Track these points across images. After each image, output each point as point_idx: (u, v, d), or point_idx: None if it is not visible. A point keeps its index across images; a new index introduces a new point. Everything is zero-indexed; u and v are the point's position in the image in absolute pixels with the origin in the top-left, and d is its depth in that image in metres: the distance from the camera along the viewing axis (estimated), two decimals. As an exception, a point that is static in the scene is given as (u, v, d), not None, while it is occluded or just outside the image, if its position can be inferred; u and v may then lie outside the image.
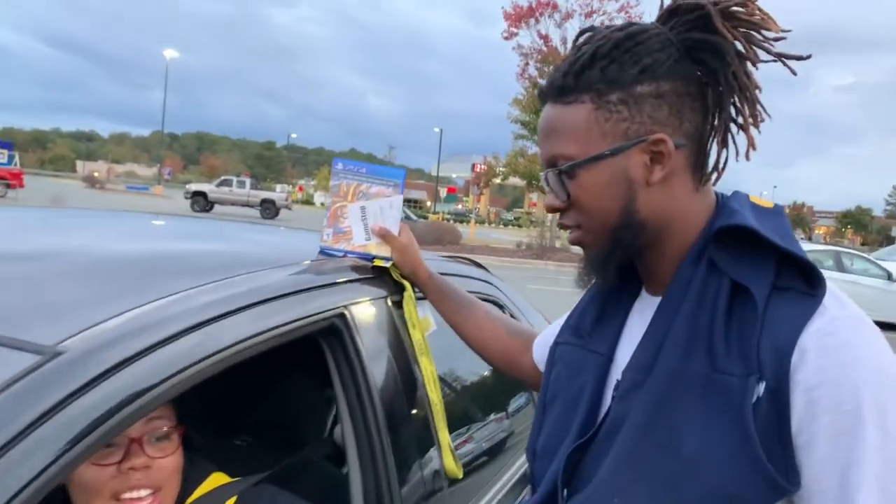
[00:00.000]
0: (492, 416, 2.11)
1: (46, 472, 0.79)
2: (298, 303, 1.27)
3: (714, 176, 1.01)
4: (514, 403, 2.26)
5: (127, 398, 0.89)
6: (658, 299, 1.00)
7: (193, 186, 38.94)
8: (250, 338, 1.11)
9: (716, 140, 1.00)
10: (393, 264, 1.55)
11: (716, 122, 1.00)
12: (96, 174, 44.91)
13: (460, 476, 1.51)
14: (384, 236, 1.53)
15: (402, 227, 1.55)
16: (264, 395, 1.63)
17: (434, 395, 1.50)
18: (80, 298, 1.09)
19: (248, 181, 39.74)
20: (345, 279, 1.43)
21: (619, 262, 1.03)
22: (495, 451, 1.97)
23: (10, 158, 37.31)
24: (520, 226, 47.39)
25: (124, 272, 1.25)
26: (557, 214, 1.05)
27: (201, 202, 35.11)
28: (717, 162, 1.01)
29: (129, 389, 0.90)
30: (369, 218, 1.54)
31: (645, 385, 0.92)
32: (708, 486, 0.84)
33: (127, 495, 1.06)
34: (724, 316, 0.90)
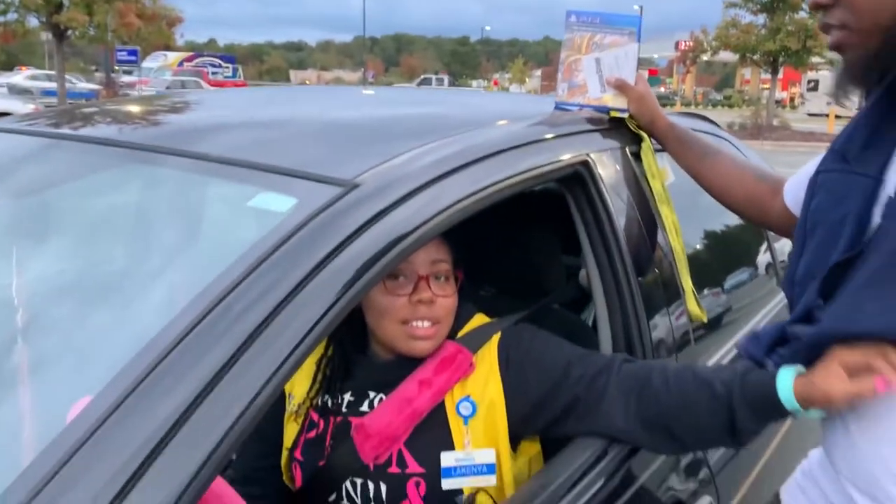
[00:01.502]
0: (714, 290, 2.08)
1: (356, 284, 0.92)
2: (542, 151, 1.33)
3: None
4: (738, 278, 2.22)
5: (411, 227, 1.01)
6: None
7: (396, 87, 40.32)
8: (506, 179, 1.19)
9: None
10: (630, 115, 1.55)
11: None
12: (308, 82, 47.80)
13: (704, 320, 1.53)
14: (620, 87, 1.53)
15: (638, 76, 1.53)
16: (505, 248, 1.74)
17: (676, 242, 1.51)
18: (356, 149, 1.22)
19: (445, 78, 40.45)
20: (584, 129, 1.46)
21: (884, 68, 0.97)
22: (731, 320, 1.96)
23: (235, 72, 40.62)
24: (731, 106, 44.10)
25: (384, 129, 1.38)
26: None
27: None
28: None
29: (413, 220, 1.02)
30: (604, 69, 1.54)
31: None
32: None
33: (414, 323, 1.22)
34: None
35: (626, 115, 1.54)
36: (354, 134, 1.35)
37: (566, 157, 1.35)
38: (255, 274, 0.88)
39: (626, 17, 1.54)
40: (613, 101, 1.54)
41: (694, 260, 1.97)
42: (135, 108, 1.71)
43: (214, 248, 1.06)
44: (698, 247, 2.06)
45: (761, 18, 21.31)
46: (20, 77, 29.44)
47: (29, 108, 14.57)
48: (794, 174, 1.35)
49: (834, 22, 0.98)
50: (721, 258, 2.18)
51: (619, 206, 1.42)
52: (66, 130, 1.52)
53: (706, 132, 2.00)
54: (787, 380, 1.04)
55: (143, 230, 1.24)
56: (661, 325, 1.47)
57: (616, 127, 1.54)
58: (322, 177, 1.02)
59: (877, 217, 0.98)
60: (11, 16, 18.39)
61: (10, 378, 1.02)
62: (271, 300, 0.86)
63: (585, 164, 1.37)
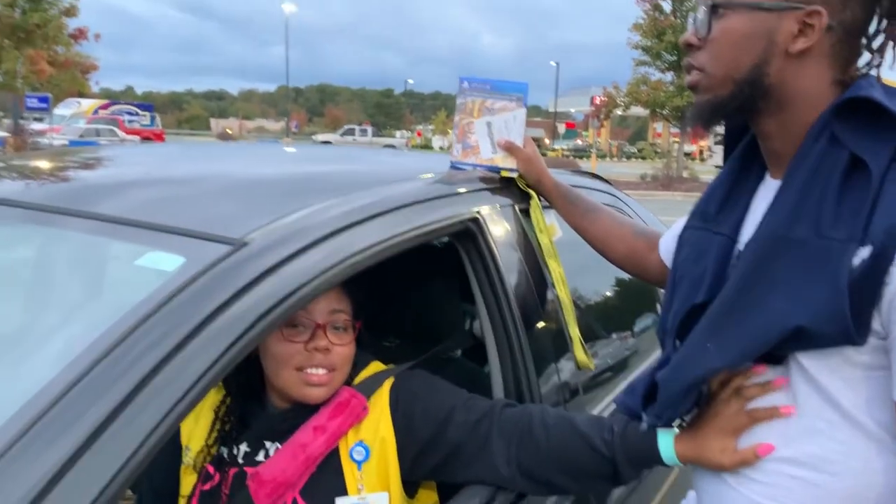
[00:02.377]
0: (614, 336, 2.18)
1: (244, 338, 0.96)
2: (435, 208, 1.40)
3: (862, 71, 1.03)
4: (640, 324, 2.33)
5: (300, 283, 1.06)
6: (780, 182, 1.04)
7: (320, 137, 40.69)
8: (395, 236, 1.25)
9: (875, 39, 1.02)
10: (519, 175, 1.64)
11: (881, 26, 1.02)
12: (229, 130, 47.42)
13: (592, 368, 1.61)
14: (510, 149, 1.62)
15: (526, 139, 1.63)
16: (408, 300, 1.79)
17: (563, 293, 1.60)
18: (249, 208, 1.26)
19: (369, 129, 40.87)
20: (476, 188, 1.55)
21: (727, 116, 1.09)
22: (620, 368, 2.06)
23: (153, 120, 39.86)
24: (644, 157, 45.90)
25: (280, 188, 1.43)
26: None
27: (327, 151, 36.49)
28: (871, 62, 1.03)
29: (300, 276, 1.06)
30: (495, 132, 1.64)
31: (749, 247, 1.01)
32: (785, 329, 0.95)
33: (309, 370, 1.25)
34: (837, 187, 0.95)
35: (515, 175, 1.64)
36: (252, 192, 1.39)
37: (457, 213, 1.43)
38: (141, 330, 0.90)
39: (515, 84, 1.64)
40: (504, 161, 1.64)
41: (588, 309, 2.07)
42: (35, 165, 1.70)
43: (101, 306, 1.07)
44: (594, 297, 2.16)
45: (669, 76, 22.47)
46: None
47: (-72, 155, 13.91)
48: (669, 229, 1.47)
49: (696, 63, 1.08)
50: (615, 308, 2.30)
51: (508, 260, 1.50)
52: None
53: (596, 189, 2.13)
54: (667, 443, 1.16)
55: (31, 289, 1.24)
56: (551, 374, 1.55)
57: (506, 185, 1.64)
58: (211, 235, 1.05)
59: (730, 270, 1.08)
60: (-87, 59, 17.72)
61: None
62: (155, 356, 0.88)
63: (475, 220, 1.45)
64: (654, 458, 1.17)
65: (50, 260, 1.25)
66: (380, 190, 1.37)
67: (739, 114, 1.08)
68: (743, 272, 1.01)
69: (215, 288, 0.97)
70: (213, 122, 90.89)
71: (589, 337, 1.72)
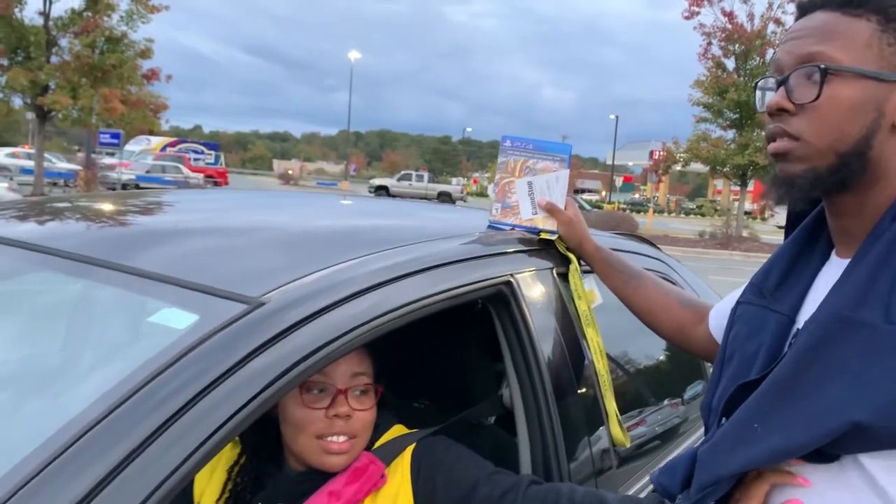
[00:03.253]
0: (665, 402, 2.09)
1: (257, 399, 0.92)
2: (468, 269, 1.35)
3: None
4: (691, 391, 2.23)
5: (317, 345, 1.02)
6: (848, 261, 0.97)
7: (376, 181, 41.27)
8: (423, 298, 1.21)
9: None
10: (559, 237, 1.59)
11: None
12: (290, 171, 48.57)
13: (627, 444, 1.52)
14: (550, 210, 1.58)
15: (568, 201, 1.58)
16: (440, 363, 1.74)
17: (601, 365, 1.53)
18: (278, 264, 1.23)
19: (426, 175, 41.33)
20: (512, 249, 1.50)
21: (823, 190, 0.99)
22: (669, 436, 1.96)
23: (217, 159, 41.17)
24: (703, 214, 45.20)
25: (314, 243, 1.40)
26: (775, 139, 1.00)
27: (384, 196, 36.97)
28: None
29: (318, 337, 1.02)
30: (536, 193, 1.60)
31: (808, 326, 0.92)
32: (842, 423, 0.86)
33: (329, 438, 1.20)
34: None
35: (555, 237, 1.59)
36: (283, 248, 1.37)
37: (490, 275, 1.38)
38: (146, 390, 0.87)
39: (558, 146, 1.60)
40: (544, 222, 1.59)
41: (633, 379, 1.98)
42: (74, 209, 1.72)
43: (112, 361, 1.05)
44: (634, 367, 2.07)
45: (730, 134, 22.20)
46: (0, 154, 29.59)
47: (2, 185, 14.62)
48: (720, 302, 1.39)
49: (790, 130, 0.97)
50: (654, 379, 2.19)
51: (542, 327, 1.44)
52: None
53: (644, 254, 2.06)
54: None
55: (37, 336, 1.23)
56: (582, 448, 1.47)
57: (545, 248, 1.58)
58: (228, 293, 1.03)
59: (786, 349, 1.00)
60: (-4, 95, 18.69)
61: None
62: (160, 415, 0.85)
63: (508, 283, 1.40)
64: None
65: (67, 308, 1.24)
66: (413, 248, 1.33)
67: (833, 188, 0.98)
68: (799, 352, 0.92)
69: (228, 347, 0.93)
70: (275, 162, 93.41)
71: (625, 408, 1.63)
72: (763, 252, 19.37)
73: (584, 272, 1.60)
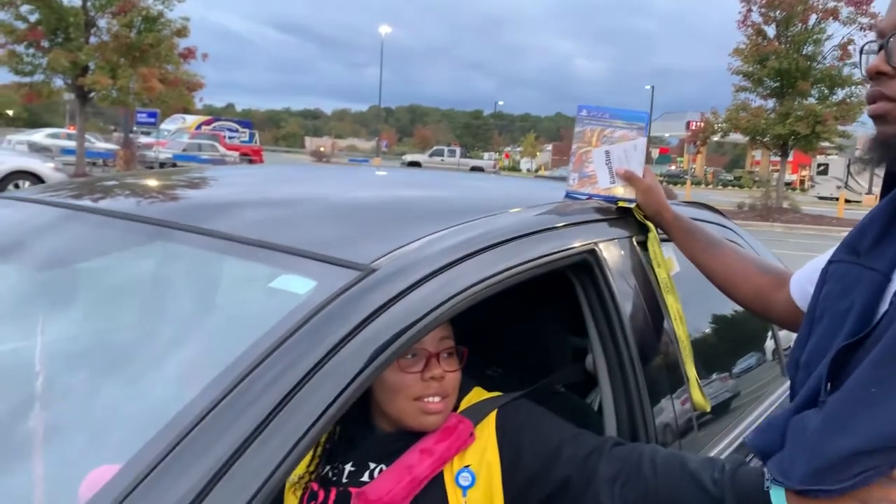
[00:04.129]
0: (718, 376, 2.10)
1: (373, 364, 0.96)
2: (552, 238, 1.38)
3: None
4: (745, 363, 2.23)
5: (425, 311, 1.05)
6: None
7: (408, 157, 41.35)
8: (515, 266, 1.24)
9: None
10: (637, 206, 1.60)
11: None
12: (322, 149, 48.79)
13: (708, 409, 1.54)
14: (629, 178, 1.59)
15: (645, 169, 1.59)
16: (513, 328, 1.77)
17: (681, 331, 1.54)
18: (374, 233, 1.27)
19: (457, 150, 41.23)
20: (592, 219, 1.52)
21: None
22: (746, 399, 1.96)
23: (252, 136, 41.50)
24: (741, 186, 44.48)
25: (400, 213, 1.44)
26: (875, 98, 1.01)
27: (417, 171, 37.04)
28: None
29: (425, 304, 1.06)
30: (614, 161, 1.60)
31: None
32: None
33: (426, 399, 1.25)
34: None
35: (633, 206, 1.60)
36: (370, 216, 1.40)
37: (575, 245, 1.40)
38: (276, 354, 0.91)
39: (635, 114, 1.61)
40: (622, 191, 1.60)
41: (701, 345, 2.00)
42: (155, 182, 1.77)
43: (236, 325, 1.10)
44: (706, 331, 2.08)
45: (771, 103, 21.72)
46: (40, 135, 30.15)
47: (48, 165, 14.88)
48: (802, 268, 1.39)
49: (888, 92, 1.00)
50: (728, 343, 2.20)
51: (624, 294, 1.46)
52: (89, 203, 1.57)
53: (712, 222, 2.06)
54: (780, 497, 1.04)
55: (166, 306, 1.28)
56: (665, 412, 1.49)
57: (623, 217, 1.60)
58: (341, 260, 1.06)
59: (883, 306, 1.00)
60: (38, 76, 18.96)
61: (27, 445, 1.05)
62: (289, 380, 0.89)
63: (593, 252, 1.42)
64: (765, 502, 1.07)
65: (182, 278, 1.29)
66: (494, 219, 1.36)
67: None
68: None
69: (347, 313, 0.97)
70: (307, 140, 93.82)
71: (701, 374, 1.65)
72: (804, 223, 19.05)
73: (662, 240, 1.61)
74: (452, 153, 40.82)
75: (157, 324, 1.22)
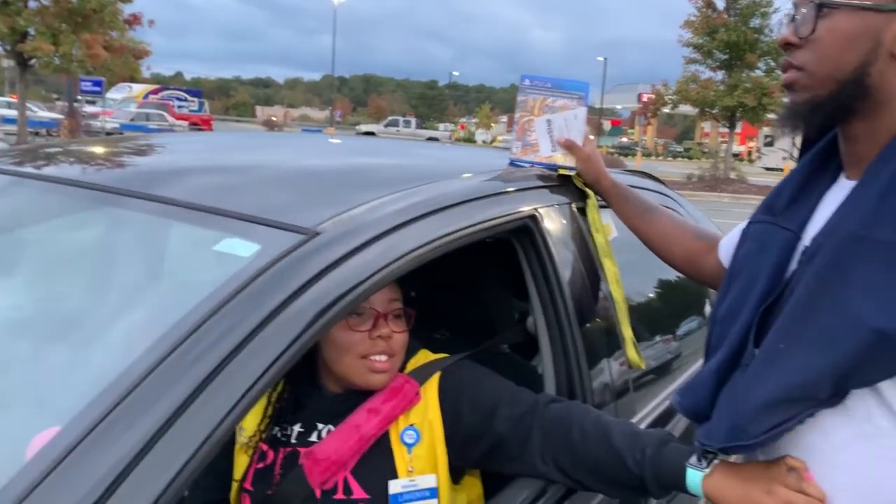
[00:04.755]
0: (657, 338, 2.18)
1: (315, 325, 0.99)
2: (495, 204, 1.42)
3: None
4: (685, 327, 2.32)
5: (368, 274, 1.09)
6: (855, 183, 1.04)
7: (363, 127, 41.06)
8: (461, 229, 1.28)
9: None
10: (577, 173, 1.65)
11: None
12: (274, 118, 48.00)
13: (643, 367, 1.62)
14: (569, 147, 1.63)
15: (585, 138, 1.64)
16: (458, 294, 1.82)
17: (617, 293, 1.61)
18: (319, 198, 1.30)
19: (413, 121, 41.05)
20: (533, 185, 1.56)
21: (825, 116, 1.07)
22: (670, 368, 2.05)
23: (201, 106, 40.56)
24: (690, 157, 45.16)
25: (348, 178, 1.46)
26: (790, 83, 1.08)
27: (371, 142, 36.78)
28: None
29: (369, 267, 1.10)
30: (555, 131, 1.65)
31: (824, 246, 1.00)
32: (867, 332, 0.92)
33: (373, 357, 1.29)
34: None
35: (573, 174, 1.65)
36: (318, 182, 1.42)
37: (516, 210, 1.44)
38: (218, 315, 0.94)
39: (576, 84, 1.65)
40: (562, 159, 1.65)
41: (644, 309, 2.08)
42: (101, 149, 1.76)
43: (179, 289, 1.12)
44: (650, 296, 2.16)
45: (720, 75, 22.06)
46: (-19, 104, 29.04)
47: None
48: (729, 232, 1.46)
49: (795, 62, 1.07)
50: (671, 308, 2.29)
51: (564, 258, 1.52)
52: (32, 170, 1.56)
53: (653, 190, 2.13)
54: (695, 480, 1.12)
55: (111, 271, 1.29)
56: (603, 373, 1.56)
57: (564, 184, 1.65)
58: (285, 224, 1.09)
59: (793, 265, 1.08)
60: (-27, 43, 18.24)
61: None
62: (231, 341, 0.92)
63: (533, 217, 1.47)
64: (681, 488, 1.15)
65: (125, 242, 1.30)
66: (440, 185, 1.40)
67: (835, 114, 1.06)
68: (818, 272, 0.99)
69: (290, 276, 1.00)
70: (258, 109, 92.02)
71: (640, 337, 1.72)
72: (751, 194, 19.49)
73: (601, 207, 1.67)
74: (408, 124, 40.68)
75: (102, 289, 1.23)
